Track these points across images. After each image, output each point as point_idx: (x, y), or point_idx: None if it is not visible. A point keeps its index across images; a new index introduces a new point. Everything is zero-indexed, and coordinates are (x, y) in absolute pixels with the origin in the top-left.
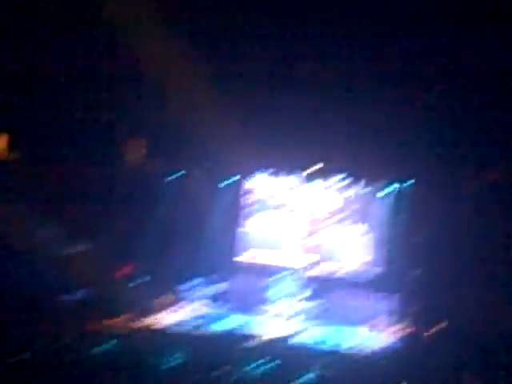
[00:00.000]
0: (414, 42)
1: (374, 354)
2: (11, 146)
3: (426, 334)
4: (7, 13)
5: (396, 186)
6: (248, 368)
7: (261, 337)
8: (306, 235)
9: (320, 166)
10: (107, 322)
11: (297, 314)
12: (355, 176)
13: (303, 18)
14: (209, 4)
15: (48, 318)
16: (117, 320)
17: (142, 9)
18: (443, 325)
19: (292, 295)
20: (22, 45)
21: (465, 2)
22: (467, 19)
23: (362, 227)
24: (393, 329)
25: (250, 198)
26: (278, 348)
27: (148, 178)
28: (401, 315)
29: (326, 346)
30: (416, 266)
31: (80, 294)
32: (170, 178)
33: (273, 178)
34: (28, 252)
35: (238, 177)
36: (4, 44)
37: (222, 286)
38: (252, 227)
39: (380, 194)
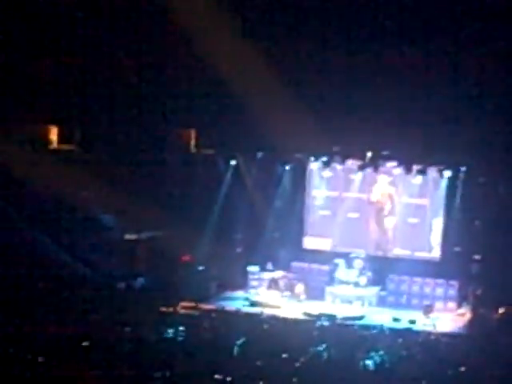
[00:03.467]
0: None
1: (439, 335)
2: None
3: (488, 317)
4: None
5: (450, 172)
6: (319, 350)
7: (328, 319)
8: (365, 221)
9: (376, 153)
10: (177, 306)
11: (358, 297)
12: (408, 162)
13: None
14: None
15: (118, 302)
16: (185, 304)
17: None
18: (503, 310)
19: (356, 279)
20: (85, 42)
21: None
22: None
23: (420, 213)
24: (457, 312)
25: (312, 185)
26: (346, 330)
27: (209, 167)
28: (463, 299)
29: (395, 327)
30: (476, 251)
31: (146, 279)
32: (231, 166)
33: (332, 165)
34: (95, 238)
35: (300, 163)
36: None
37: (287, 272)
38: (315, 214)
39: (436, 181)
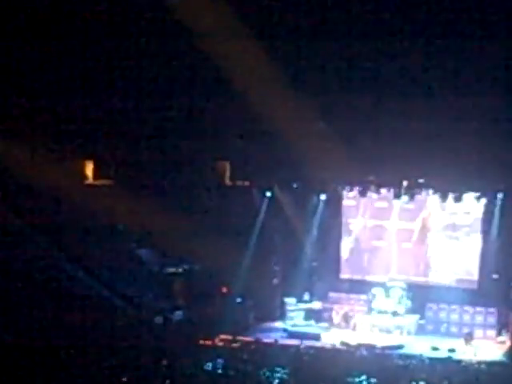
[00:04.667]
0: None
1: (480, 364)
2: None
3: None
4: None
5: (485, 199)
6: (359, 380)
7: (367, 349)
8: (403, 248)
9: (412, 181)
10: (215, 338)
11: (397, 326)
12: (444, 190)
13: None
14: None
15: (157, 336)
16: (224, 336)
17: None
18: None
19: (394, 308)
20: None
21: None
22: None
23: (458, 240)
24: (497, 340)
25: (348, 215)
26: (386, 359)
27: (245, 198)
28: (502, 326)
29: (434, 356)
30: None
31: (184, 312)
32: (267, 198)
33: (367, 194)
34: (134, 272)
35: (335, 193)
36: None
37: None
38: (351, 243)
39: (474, 207)
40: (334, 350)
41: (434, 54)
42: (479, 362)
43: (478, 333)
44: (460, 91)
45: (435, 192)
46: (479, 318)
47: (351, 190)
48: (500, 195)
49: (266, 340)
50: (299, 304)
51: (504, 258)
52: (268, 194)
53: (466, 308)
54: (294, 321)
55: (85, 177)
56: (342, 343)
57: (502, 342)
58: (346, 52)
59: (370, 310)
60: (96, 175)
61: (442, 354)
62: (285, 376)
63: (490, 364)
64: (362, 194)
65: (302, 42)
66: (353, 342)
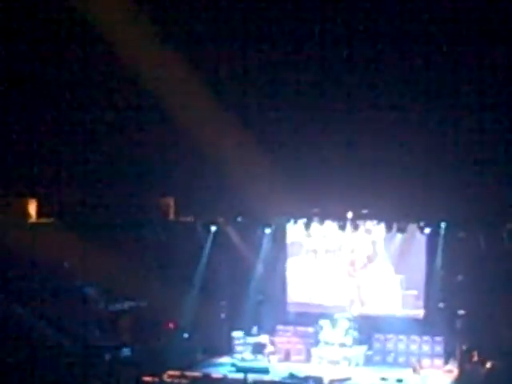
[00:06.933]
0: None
1: None
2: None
3: (475, 372)
4: None
5: (429, 229)
6: None
7: (315, 382)
8: (345, 279)
9: (356, 212)
10: (163, 374)
11: (345, 358)
12: (388, 220)
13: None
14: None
15: (104, 373)
16: (171, 372)
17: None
18: (490, 365)
19: (341, 340)
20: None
21: None
22: None
23: (400, 270)
24: (444, 368)
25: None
26: None
27: (190, 234)
28: (449, 355)
29: None
30: (460, 306)
31: (131, 349)
32: (212, 232)
33: (312, 226)
34: (79, 309)
35: (279, 226)
36: None
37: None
38: (294, 273)
39: (415, 237)
40: None
41: (378, 83)
42: None
43: (426, 362)
44: (403, 121)
45: (379, 223)
46: (426, 348)
47: (295, 222)
48: (443, 224)
49: (214, 375)
50: (247, 338)
51: (448, 286)
52: (213, 228)
53: (413, 337)
54: (242, 355)
55: (28, 215)
56: (291, 376)
57: (450, 371)
58: (292, 82)
59: (317, 341)
60: (39, 213)
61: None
62: None
63: None
64: (307, 226)
65: (246, 79)
66: (301, 374)
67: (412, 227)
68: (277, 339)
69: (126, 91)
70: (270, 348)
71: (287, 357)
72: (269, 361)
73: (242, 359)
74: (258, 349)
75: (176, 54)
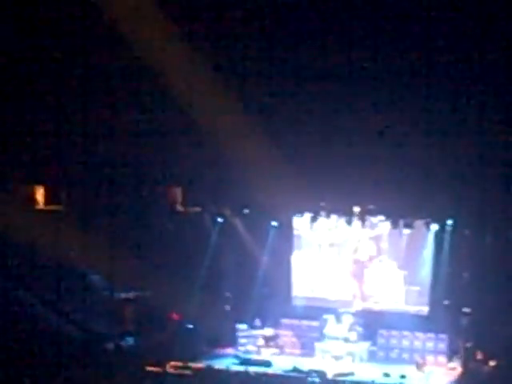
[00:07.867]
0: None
1: None
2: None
3: (479, 371)
4: None
5: (436, 226)
6: None
7: (318, 376)
8: (348, 273)
9: (363, 207)
10: (166, 365)
11: (348, 353)
12: (395, 216)
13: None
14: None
15: (107, 362)
16: (174, 363)
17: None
18: (494, 363)
19: (346, 335)
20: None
21: None
22: None
23: (403, 266)
24: (448, 366)
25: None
26: None
27: (196, 225)
28: (453, 352)
29: (386, 383)
30: (465, 304)
31: (135, 339)
32: (218, 224)
33: (318, 220)
34: (84, 298)
35: (286, 219)
36: None
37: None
38: (298, 266)
39: (420, 233)
40: (285, 377)
41: (384, 84)
42: None
43: (430, 359)
44: (412, 117)
45: (387, 218)
46: (430, 345)
47: (302, 216)
48: (450, 221)
49: (217, 367)
50: (251, 330)
51: (454, 283)
52: (219, 219)
53: (417, 334)
54: (246, 347)
55: (35, 202)
56: (294, 370)
57: (453, 369)
58: (300, 76)
59: (322, 336)
60: (47, 200)
61: (394, 380)
62: None
63: None
64: (313, 220)
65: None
66: (304, 368)
67: (418, 223)
68: (281, 332)
69: (136, 82)
70: (273, 341)
71: (291, 350)
72: (272, 354)
73: (246, 351)
74: (262, 341)
75: (195, 53)
